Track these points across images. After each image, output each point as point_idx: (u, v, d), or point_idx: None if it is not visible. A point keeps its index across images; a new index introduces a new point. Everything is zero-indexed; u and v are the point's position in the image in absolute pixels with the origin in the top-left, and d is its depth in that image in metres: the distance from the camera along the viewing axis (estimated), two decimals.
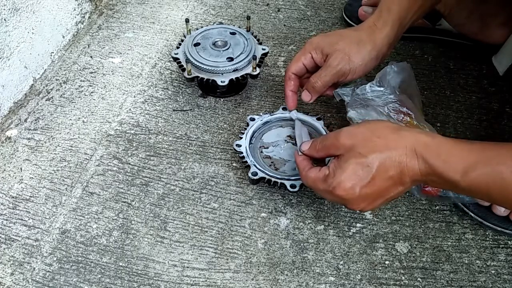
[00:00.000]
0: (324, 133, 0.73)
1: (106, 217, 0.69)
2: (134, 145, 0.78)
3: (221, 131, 0.80)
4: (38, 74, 0.89)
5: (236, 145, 0.71)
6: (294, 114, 0.75)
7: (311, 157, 0.61)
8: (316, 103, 0.83)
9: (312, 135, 0.74)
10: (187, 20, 0.84)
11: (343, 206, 0.69)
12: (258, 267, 0.64)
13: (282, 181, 0.67)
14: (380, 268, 0.64)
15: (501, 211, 0.66)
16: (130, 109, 0.83)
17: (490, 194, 0.47)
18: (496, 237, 0.67)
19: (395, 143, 0.51)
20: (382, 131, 0.53)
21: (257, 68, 0.80)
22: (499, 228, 0.66)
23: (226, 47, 0.81)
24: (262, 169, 0.68)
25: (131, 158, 0.76)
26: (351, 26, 0.98)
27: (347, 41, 0.66)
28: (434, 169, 0.49)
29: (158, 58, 0.92)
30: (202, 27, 0.86)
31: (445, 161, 0.48)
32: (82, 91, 0.86)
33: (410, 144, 0.50)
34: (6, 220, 0.68)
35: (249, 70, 0.80)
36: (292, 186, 0.66)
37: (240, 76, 0.79)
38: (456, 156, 0.48)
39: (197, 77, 0.79)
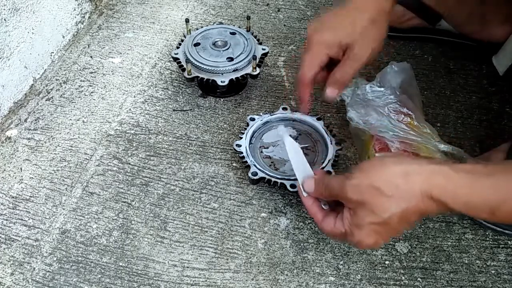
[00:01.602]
0: (324, 133, 0.73)
1: (106, 217, 0.69)
2: (134, 145, 0.78)
3: (221, 131, 0.80)
4: (38, 74, 0.89)
5: (236, 145, 0.71)
6: (284, 130, 0.69)
7: (315, 196, 0.58)
8: (316, 103, 0.84)
9: (305, 150, 0.72)
10: (187, 20, 0.84)
11: None
12: (258, 267, 0.64)
13: (282, 181, 0.67)
14: (380, 268, 0.64)
15: None
16: (130, 109, 0.83)
17: (491, 216, 0.47)
18: (496, 237, 0.67)
19: (408, 194, 0.48)
20: (389, 184, 0.49)
21: (257, 68, 0.80)
22: (499, 228, 0.66)
23: (226, 47, 0.81)
24: (262, 169, 0.68)
25: (131, 158, 0.76)
26: None
27: (361, 25, 0.62)
28: (455, 210, 0.47)
29: (158, 58, 0.92)
30: (202, 27, 0.86)
31: (467, 204, 0.47)
32: (82, 91, 0.86)
33: (425, 190, 0.47)
34: (6, 220, 0.68)
35: (249, 70, 0.80)
36: (292, 186, 0.66)
37: (240, 76, 0.79)
38: (478, 197, 0.46)
39: (197, 77, 0.79)
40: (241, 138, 0.73)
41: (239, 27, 0.86)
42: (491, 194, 0.46)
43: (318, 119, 0.75)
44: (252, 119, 0.75)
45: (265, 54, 0.82)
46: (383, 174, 0.50)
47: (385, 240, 0.52)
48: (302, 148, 0.73)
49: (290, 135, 0.74)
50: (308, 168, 0.61)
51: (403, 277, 0.63)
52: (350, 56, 0.62)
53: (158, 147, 0.77)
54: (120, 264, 0.64)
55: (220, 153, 0.77)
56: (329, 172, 0.68)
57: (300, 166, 0.62)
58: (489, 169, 0.47)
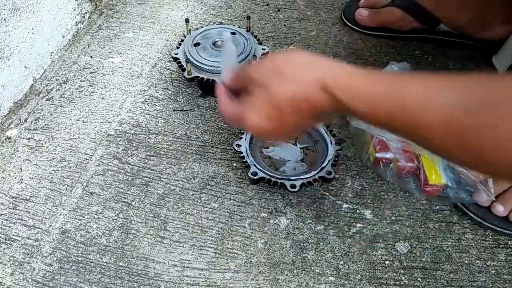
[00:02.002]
0: (324, 133, 0.73)
1: (106, 217, 0.69)
2: (134, 145, 0.78)
3: (221, 131, 0.80)
4: (38, 74, 0.89)
5: (236, 145, 0.71)
6: (228, 36, 0.70)
7: (231, 88, 0.58)
8: None
9: (305, 150, 0.73)
10: (187, 20, 0.84)
11: (342, 204, 0.69)
12: (258, 267, 0.64)
13: (282, 181, 0.67)
14: (380, 268, 0.64)
15: (500, 211, 0.66)
16: (130, 109, 0.83)
17: (395, 127, 0.45)
18: (496, 237, 0.67)
19: (303, 80, 0.48)
20: (290, 68, 0.50)
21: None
22: (499, 228, 0.66)
23: None
24: (262, 169, 0.68)
25: (131, 158, 0.76)
26: (350, 28, 0.98)
27: None
28: (341, 103, 0.47)
29: (158, 58, 0.92)
30: (202, 27, 0.86)
31: (344, 85, 0.46)
32: (82, 91, 0.86)
33: (319, 79, 0.47)
34: (6, 220, 0.68)
35: None
36: (292, 186, 0.66)
37: None
38: (356, 80, 0.46)
39: (197, 77, 0.79)
40: (241, 138, 0.73)
41: (239, 27, 0.86)
42: (373, 87, 0.45)
43: None
44: None
45: (265, 54, 0.82)
46: (288, 59, 0.51)
47: (274, 129, 0.51)
48: (302, 148, 0.73)
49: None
50: (235, 64, 0.62)
51: (403, 277, 0.63)
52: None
53: (158, 147, 0.77)
54: (120, 264, 0.64)
55: (220, 153, 0.77)
56: (329, 172, 0.68)
57: (229, 61, 0.62)
58: (381, 72, 0.48)
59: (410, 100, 0.42)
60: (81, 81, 0.88)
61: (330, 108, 0.48)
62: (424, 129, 0.42)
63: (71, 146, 0.78)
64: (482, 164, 0.41)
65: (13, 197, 0.71)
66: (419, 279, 0.62)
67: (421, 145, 0.46)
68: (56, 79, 0.88)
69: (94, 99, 0.85)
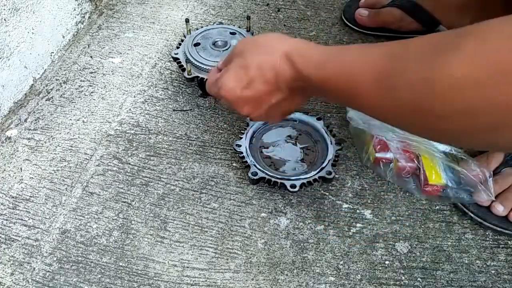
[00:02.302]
0: (324, 133, 0.73)
1: (106, 217, 0.69)
2: (134, 145, 0.78)
3: (221, 131, 0.80)
4: (38, 74, 0.89)
5: (236, 145, 0.71)
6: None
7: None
8: (316, 103, 0.84)
9: (305, 150, 0.73)
10: (187, 20, 0.84)
11: (342, 204, 0.69)
12: (258, 267, 0.64)
13: (282, 181, 0.67)
14: (380, 268, 0.64)
15: (500, 210, 0.66)
16: (130, 109, 0.83)
17: (338, 87, 0.46)
18: (496, 237, 0.67)
19: (273, 48, 0.52)
20: (269, 39, 0.55)
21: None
22: (499, 228, 0.66)
23: (226, 47, 0.81)
24: (262, 169, 0.68)
25: (131, 158, 0.76)
26: (350, 28, 0.98)
27: None
28: (296, 69, 0.50)
29: (158, 58, 0.92)
30: (202, 27, 0.86)
31: (304, 56, 0.49)
32: (82, 91, 0.86)
33: (286, 50, 0.51)
34: (6, 220, 0.68)
35: None
36: (292, 186, 0.66)
37: None
38: (315, 54, 0.49)
39: (197, 77, 0.79)
40: (241, 138, 0.73)
41: (239, 27, 0.86)
42: (324, 54, 0.48)
43: (318, 119, 0.75)
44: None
45: None
46: (265, 37, 0.56)
47: (241, 90, 0.54)
48: (302, 148, 0.73)
49: (290, 135, 0.75)
50: None
51: (403, 277, 0.63)
52: None
53: (158, 147, 0.77)
54: (120, 264, 0.64)
55: (220, 153, 0.77)
56: (329, 172, 0.68)
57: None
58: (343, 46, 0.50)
59: (347, 57, 0.45)
60: (81, 81, 0.88)
61: (292, 80, 0.51)
62: (358, 84, 0.43)
63: (71, 146, 0.78)
64: (420, 123, 0.38)
65: (13, 197, 0.71)
66: (419, 279, 0.63)
67: (359, 109, 0.47)
68: (56, 79, 0.88)
69: (94, 99, 0.85)
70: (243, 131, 0.74)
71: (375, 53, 0.42)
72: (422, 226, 0.68)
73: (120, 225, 0.68)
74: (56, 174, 0.74)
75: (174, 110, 0.83)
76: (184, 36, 0.85)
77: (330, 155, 0.70)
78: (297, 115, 0.76)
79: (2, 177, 0.73)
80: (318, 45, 0.51)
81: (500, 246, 0.66)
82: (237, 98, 0.55)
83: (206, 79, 0.78)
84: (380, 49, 0.42)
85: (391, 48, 0.41)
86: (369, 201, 0.70)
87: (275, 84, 0.53)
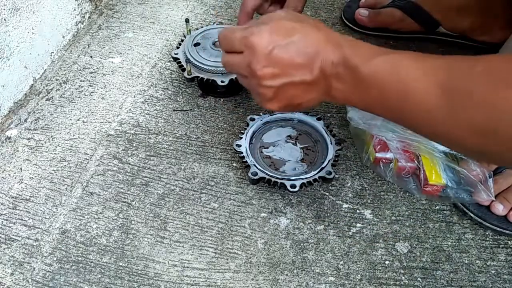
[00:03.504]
0: (324, 133, 0.73)
1: (106, 217, 0.69)
2: (134, 145, 0.78)
3: (221, 131, 0.80)
4: (38, 74, 0.89)
5: (236, 145, 0.71)
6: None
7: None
8: None
9: (305, 150, 0.73)
10: (187, 20, 0.84)
11: (342, 204, 0.69)
12: (258, 267, 0.64)
13: (282, 181, 0.67)
14: (380, 268, 0.64)
15: (500, 210, 0.66)
16: (130, 109, 0.83)
17: (385, 87, 0.45)
18: (496, 237, 0.67)
19: (324, 29, 0.50)
20: (317, 24, 0.52)
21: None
22: (499, 228, 0.66)
23: None
24: (262, 169, 0.68)
25: (131, 158, 0.76)
26: (350, 28, 0.98)
27: None
28: (343, 55, 0.48)
29: (158, 58, 0.92)
30: (202, 27, 0.86)
31: (355, 49, 0.48)
32: (82, 91, 0.86)
33: (336, 35, 0.50)
34: (6, 220, 0.68)
35: None
36: (292, 186, 0.66)
37: None
38: (366, 47, 0.48)
39: (197, 77, 0.79)
40: (241, 138, 0.73)
41: None
42: (375, 47, 0.48)
43: (318, 119, 0.75)
44: (252, 119, 0.75)
45: None
46: (315, 22, 0.52)
47: (274, 47, 0.49)
48: (302, 148, 0.73)
49: (290, 135, 0.75)
50: None
51: (403, 277, 0.63)
52: None
53: (158, 147, 0.77)
54: (120, 264, 0.64)
55: (220, 153, 0.77)
56: (329, 172, 0.68)
57: None
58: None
59: (400, 59, 0.45)
60: (81, 81, 0.88)
61: (331, 65, 0.48)
62: (412, 90, 0.43)
63: (71, 146, 0.78)
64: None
65: (13, 197, 0.71)
66: (419, 279, 0.63)
67: (407, 124, 0.47)
68: (56, 79, 0.88)
69: (94, 99, 0.85)
70: (243, 131, 0.74)
71: (434, 64, 0.42)
72: (422, 226, 0.68)
73: (120, 225, 0.68)
74: (56, 174, 0.74)
75: (174, 110, 0.83)
76: (184, 36, 0.85)
77: (330, 155, 0.70)
78: (297, 115, 0.76)
79: (2, 177, 0.73)
80: (365, 42, 0.50)
81: (500, 246, 0.66)
82: (265, 53, 0.49)
83: (206, 79, 0.79)
84: (440, 61, 0.42)
85: (454, 64, 0.42)
86: (369, 201, 0.70)
87: (310, 60, 0.49)
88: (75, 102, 0.84)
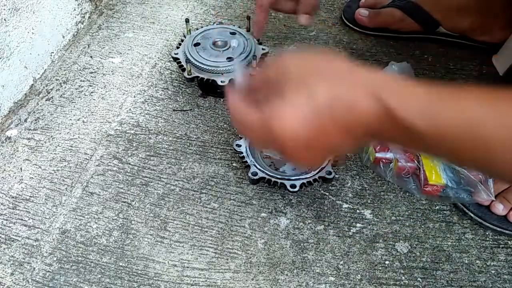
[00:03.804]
0: None
1: (106, 217, 0.69)
2: (134, 145, 0.78)
3: (221, 131, 0.80)
4: (38, 74, 0.89)
5: (236, 145, 0.71)
6: (239, 65, 0.71)
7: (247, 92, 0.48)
8: None
9: None
10: (187, 20, 0.84)
11: (342, 204, 0.69)
12: (258, 267, 0.64)
13: (282, 181, 0.67)
14: (380, 268, 0.64)
15: (500, 210, 0.66)
16: (130, 109, 0.83)
17: (453, 143, 0.38)
18: (496, 237, 0.67)
19: (349, 76, 0.42)
20: (336, 63, 0.43)
21: (257, 68, 0.80)
22: (499, 228, 0.66)
23: (226, 47, 0.81)
24: (262, 169, 0.68)
25: (131, 158, 0.76)
26: (350, 28, 0.98)
27: None
28: (388, 109, 0.38)
29: (158, 58, 0.92)
30: (202, 27, 0.86)
31: (402, 98, 0.39)
32: (82, 91, 0.86)
33: (366, 82, 0.40)
34: (6, 220, 0.68)
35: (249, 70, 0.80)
36: (292, 186, 0.66)
37: None
38: (416, 93, 0.39)
39: (197, 77, 0.79)
40: (241, 138, 0.73)
41: (239, 27, 0.86)
42: (429, 94, 0.39)
43: None
44: None
45: (265, 54, 0.82)
46: (327, 58, 0.43)
47: (301, 121, 0.40)
48: None
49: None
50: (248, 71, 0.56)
51: (403, 277, 0.63)
52: None
53: (158, 147, 0.77)
54: (120, 264, 0.64)
55: (220, 153, 0.77)
56: (329, 172, 0.68)
57: (241, 69, 0.57)
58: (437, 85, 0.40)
59: (468, 109, 0.37)
60: (81, 81, 0.88)
61: (374, 120, 0.39)
62: (493, 148, 0.36)
63: (71, 146, 0.78)
64: None
65: (13, 197, 0.71)
66: (419, 279, 0.62)
67: (485, 171, 0.41)
68: (56, 79, 0.88)
69: (94, 99, 0.85)
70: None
71: (509, 113, 0.36)
72: (422, 226, 0.68)
73: (120, 225, 0.68)
74: (56, 174, 0.74)
75: (174, 110, 0.83)
76: (184, 36, 0.85)
77: None
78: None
79: (2, 177, 0.73)
80: (406, 80, 0.40)
81: (500, 246, 0.66)
82: (293, 130, 0.41)
83: (206, 79, 0.79)
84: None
85: None
86: (369, 201, 0.70)
87: (346, 124, 0.40)
88: (75, 102, 0.84)
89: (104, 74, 0.89)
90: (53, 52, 0.92)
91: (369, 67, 0.42)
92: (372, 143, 0.72)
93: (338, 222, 0.68)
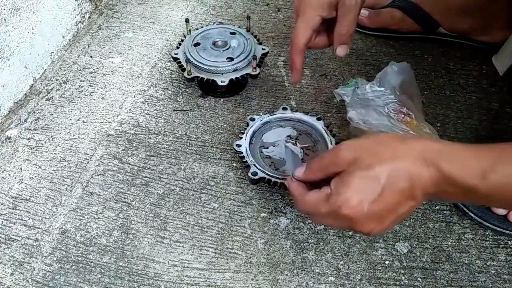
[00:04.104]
0: (324, 133, 0.73)
1: (106, 217, 0.69)
2: (134, 145, 0.78)
3: (221, 131, 0.80)
4: (38, 74, 0.89)
5: (236, 145, 0.71)
6: (284, 143, 0.73)
7: (306, 181, 0.54)
8: (316, 103, 0.84)
9: (304, 160, 0.72)
10: (187, 20, 0.84)
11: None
12: (258, 267, 0.64)
13: (282, 181, 0.67)
14: (380, 268, 0.64)
15: (500, 210, 0.66)
16: (130, 109, 0.83)
17: (508, 198, 0.44)
18: (496, 237, 0.67)
19: (403, 152, 0.46)
20: (387, 141, 0.48)
21: (257, 68, 0.80)
22: (499, 228, 0.66)
23: (226, 47, 0.81)
24: (262, 169, 0.68)
25: (131, 158, 0.76)
26: None
27: None
28: (448, 176, 0.44)
29: (158, 58, 0.92)
30: (202, 27, 0.86)
31: (461, 166, 0.44)
32: (82, 91, 0.86)
33: (420, 153, 0.45)
34: (6, 220, 0.68)
35: (249, 70, 0.80)
36: None
37: (240, 76, 0.79)
38: (472, 158, 0.44)
39: (197, 77, 0.79)
40: (241, 138, 0.73)
41: (239, 27, 0.86)
42: (484, 158, 0.44)
43: (318, 119, 0.75)
44: (252, 119, 0.75)
45: (265, 54, 0.82)
46: (382, 136, 0.49)
47: (369, 205, 0.46)
48: (302, 148, 0.73)
49: (290, 136, 0.75)
50: (300, 164, 0.59)
51: (403, 277, 0.63)
52: (344, 8, 0.62)
53: (158, 147, 0.77)
54: (120, 264, 0.64)
55: (220, 153, 0.77)
56: None
57: (294, 161, 0.64)
58: (487, 144, 0.46)
59: None
60: (81, 81, 0.88)
61: (433, 186, 0.45)
62: None
63: (71, 146, 0.78)
64: None
65: (13, 197, 0.71)
66: (419, 279, 0.63)
67: None
68: (56, 79, 0.89)
69: (94, 99, 0.85)
70: (243, 131, 0.74)
71: None
72: (422, 226, 0.68)
73: (120, 225, 0.68)
74: (56, 174, 0.74)
75: (174, 110, 0.83)
76: (184, 36, 0.85)
77: None
78: (297, 115, 0.76)
79: (2, 177, 0.73)
80: (456, 145, 0.46)
81: (500, 246, 0.66)
82: (363, 215, 0.46)
83: (206, 79, 0.78)
84: None
85: None
86: None
87: (409, 193, 0.45)
88: (75, 102, 0.84)
89: (104, 74, 0.89)
90: (53, 52, 0.92)
91: (413, 137, 0.49)
92: None
93: None
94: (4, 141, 0.78)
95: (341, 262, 0.64)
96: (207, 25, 0.87)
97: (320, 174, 0.52)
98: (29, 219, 0.69)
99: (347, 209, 0.46)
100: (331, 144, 0.72)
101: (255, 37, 0.85)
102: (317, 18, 0.63)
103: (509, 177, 0.43)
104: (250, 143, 0.73)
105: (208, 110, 0.83)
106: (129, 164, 0.75)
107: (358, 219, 0.47)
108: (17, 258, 0.64)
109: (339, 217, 0.48)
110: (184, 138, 0.79)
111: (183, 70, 0.80)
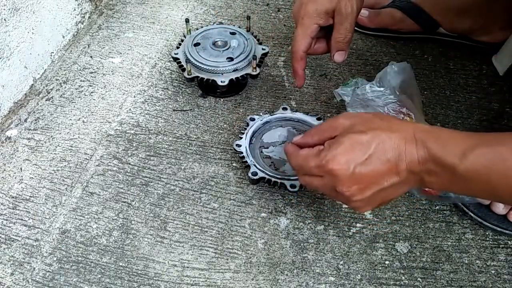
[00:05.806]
0: None
1: (106, 217, 0.69)
2: (134, 145, 0.78)
3: (221, 131, 0.80)
4: (38, 74, 0.89)
5: (236, 145, 0.71)
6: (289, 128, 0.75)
7: (303, 146, 0.57)
8: (316, 103, 0.84)
9: None
10: (187, 20, 0.84)
11: (342, 204, 0.69)
12: (258, 267, 0.64)
13: (282, 181, 0.67)
14: (380, 268, 0.64)
15: (500, 209, 0.66)
16: (130, 109, 0.83)
17: (490, 179, 0.45)
18: (496, 237, 0.67)
19: (396, 126, 0.50)
20: (384, 116, 0.53)
21: (257, 68, 0.80)
22: (499, 229, 0.66)
23: (226, 47, 0.81)
24: (262, 169, 0.68)
25: (131, 158, 0.76)
26: None
27: None
28: (432, 154, 0.47)
29: (158, 58, 0.92)
30: (202, 27, 0.86)
31: (443, 144, 0.47)
32: (82, 91, 0.86)
33: (411, 130, 0.49)
34: (6, 220, 0.68)
35: (249, 70, 0.80)
36: (292, 186, 0.66)
37: (240, 76, 0.79)
38: (455, 139, 0.47)
39: (197, 77, 0.79)
40: (241, 138, 0.73)
41: (239, 27, 0.86)
42: (465, 139, 0.47)
43: (318, 119, 0.75)
44: (252, 119, 0.75)
45: (265, 54, 0.82)
46: (377, 113, 0.53)
47: (355, 166, 0.49)
48: None
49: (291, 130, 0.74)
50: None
51: (403, 277, 0.63)
52: (341, 16, 0.65)
53: (158, 147, 0.77)
54: (120, 264, 0.64)
55: (220, 153, 0.77)
56: None
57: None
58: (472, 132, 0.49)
59: (501, 151, 0.44)
60: (81, 81, 0.88)
61: (418, 164, 0.47)
62: None
63: (71, 146, 0.78)
64: None
65: (13, 197, 0.71)
66: (419, 279, 0.63)
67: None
68: (56, 79, 0.89)
69: (94, 99, 0.85)
70: (243, 131, 0.74)
71: None
72: (422, 226, 0.68)
73: (120, 225, 0.68)
74: (56, 174, 0.74)
75: (174, 110, 0.83)
76: (184, 36, 0.85)
77: None
78: (297, 115, 0.76)
79: (2, 177, 0.73)
80: (446, 129, 0.49)
81: (500, 246, 0.66)
82: (348, 175, 0.49)
83: (206, 79, 0.79)
84: None
85: None
86: None
87: (394, 165, 0.48)
88: (75, 102, 0.84)
89: (104, 74, 0.89)
90: (53, 52, 0.92)
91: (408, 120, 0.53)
92: None
93: (338, 222, 0.68)
94: (4, 141, 0.78)
95: (341, 262, 0.64)
96: (207, 25, 0.87)
97: (317, 137, 0.55)
98: (29, 219, 0.69)
99: (334, 164, 0.49)
100: None
101: (255, 37, 0.85)
102: (314, 26, 0.66)
103: (486, 159, 0.44)
104: (250, 143, 0.73)
105: (208, 110, 0.83)
106: (129, 164, 0.75)
107: (342, 176, 0.49)
108: (17, 258, 0.64)
109: (325, 172, 0.50)
110: (184, 138, 0.79)
111: (183, 70, 0.80)
